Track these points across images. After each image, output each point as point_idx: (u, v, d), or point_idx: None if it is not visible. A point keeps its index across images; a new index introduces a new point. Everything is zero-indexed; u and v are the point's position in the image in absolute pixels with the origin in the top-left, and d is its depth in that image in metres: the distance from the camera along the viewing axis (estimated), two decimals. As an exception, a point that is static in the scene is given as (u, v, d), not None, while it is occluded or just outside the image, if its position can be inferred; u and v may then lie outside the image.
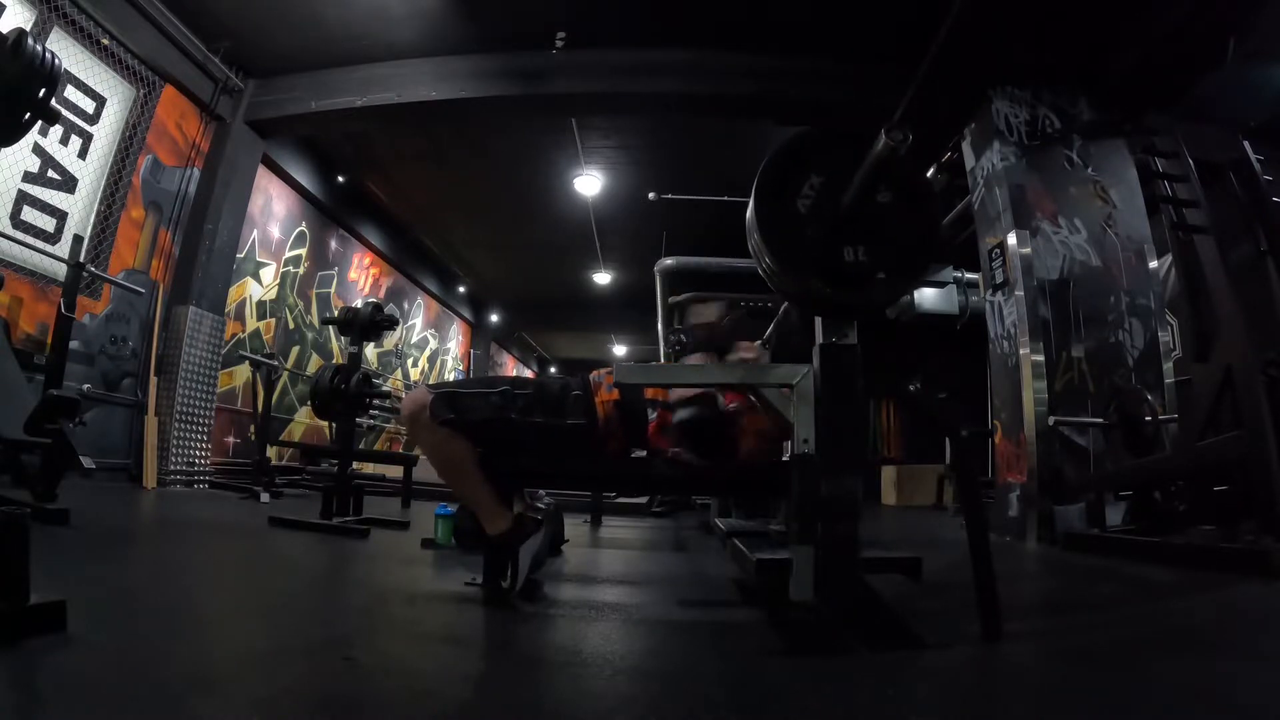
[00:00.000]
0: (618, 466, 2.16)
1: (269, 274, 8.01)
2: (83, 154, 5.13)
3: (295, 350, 8.72)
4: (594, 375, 2.11)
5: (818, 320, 1.69)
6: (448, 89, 5.90)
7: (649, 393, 2.09)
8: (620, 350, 16.71)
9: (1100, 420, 4.23)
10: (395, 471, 6.20)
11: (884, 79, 5.28)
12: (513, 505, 2.06)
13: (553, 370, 20.61)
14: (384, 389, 6.82)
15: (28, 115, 2.34)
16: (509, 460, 2.01)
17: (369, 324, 3.80)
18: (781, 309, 4.20)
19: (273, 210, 7.96)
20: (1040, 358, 4.54)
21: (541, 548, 2.08)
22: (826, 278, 1.60)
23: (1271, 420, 2.80)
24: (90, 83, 5.09)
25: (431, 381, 12.32)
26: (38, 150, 4.74)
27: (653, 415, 2.09)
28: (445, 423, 1.91)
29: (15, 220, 4.62)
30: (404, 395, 2.06)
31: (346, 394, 3.74)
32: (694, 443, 2.02)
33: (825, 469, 1.57)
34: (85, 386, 4.90)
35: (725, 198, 7.07)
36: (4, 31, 2.28)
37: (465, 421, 1.92)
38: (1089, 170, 4.96)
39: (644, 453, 2.09)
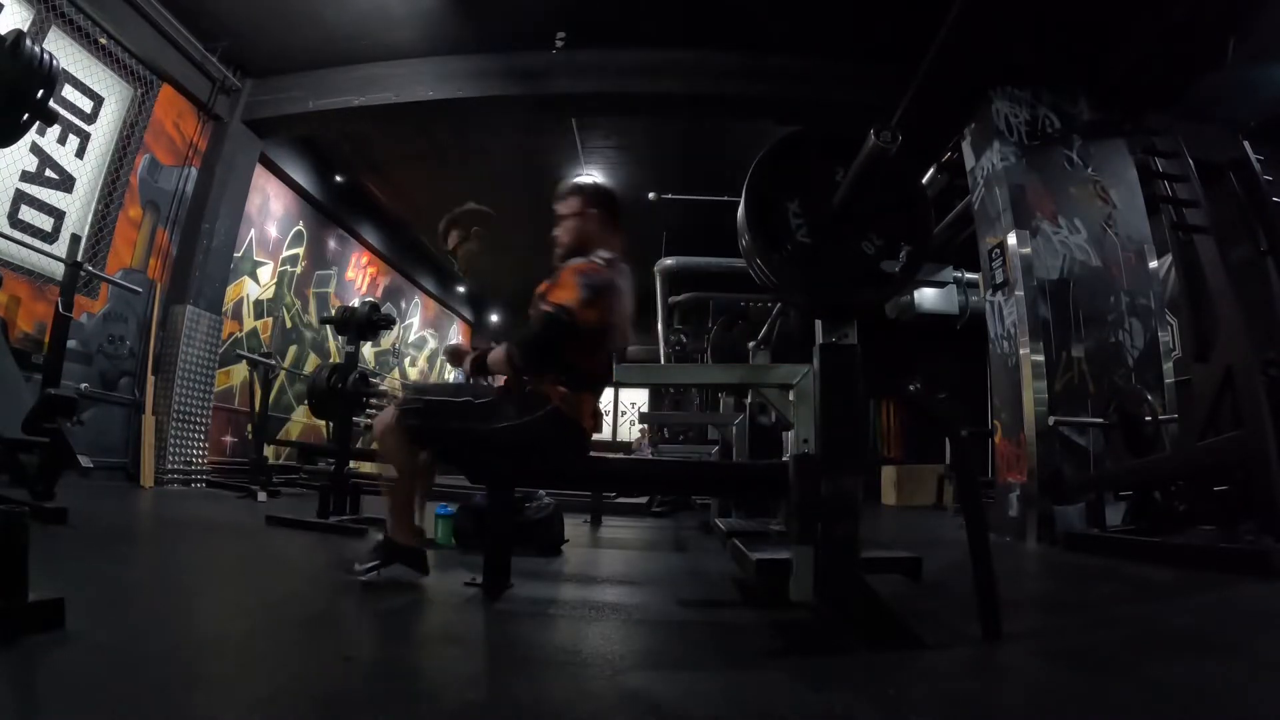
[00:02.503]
0: (614, 465, 2.16)
1: (266, 273, 8.00)
2: (80, 153, 5.12)
3: (293, 349, 8.70)
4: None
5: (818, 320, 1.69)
6: (446, 89, 5.89)
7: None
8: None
9: (1100, 420, 4.23)
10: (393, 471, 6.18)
11: (884, 79, 5.28)
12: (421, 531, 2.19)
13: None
14: (381, 388, 6.81)
15: (26, 116, 2.34)
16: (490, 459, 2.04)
17: (366, 323, 3.79)
18: (777, 309, 4.21)
19: (270, 210, 7.95)
20: (1040, 358, 4.54)
21: (495, 548, 2.09)
22: (817, 279, 1.60)
23: (1271, 420, 2.80)
24: (88, 82, 5.08)
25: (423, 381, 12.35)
26: (35, 149, 4.73)
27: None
28: (410, 430, 1.94)
29: (13, 219, 4.61)
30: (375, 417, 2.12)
31: (343, 393, 3.73)
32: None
33: (825, 469, 1.57)
34: (83, 385, 4.89)
35: (725, 198, 7.06)
36: (2, 33, 2.28)
37: (430, 430, 1.95)
38: (1089, 170, 4.96)
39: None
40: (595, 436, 2.24)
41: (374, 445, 2.16)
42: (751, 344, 4.66)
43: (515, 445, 2.01)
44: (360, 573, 2.01)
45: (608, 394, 18.70)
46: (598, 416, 2.21)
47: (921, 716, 1.15)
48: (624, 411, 18.96)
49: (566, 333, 2.00)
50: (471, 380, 2.17)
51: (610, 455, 7.04)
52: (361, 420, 4.93)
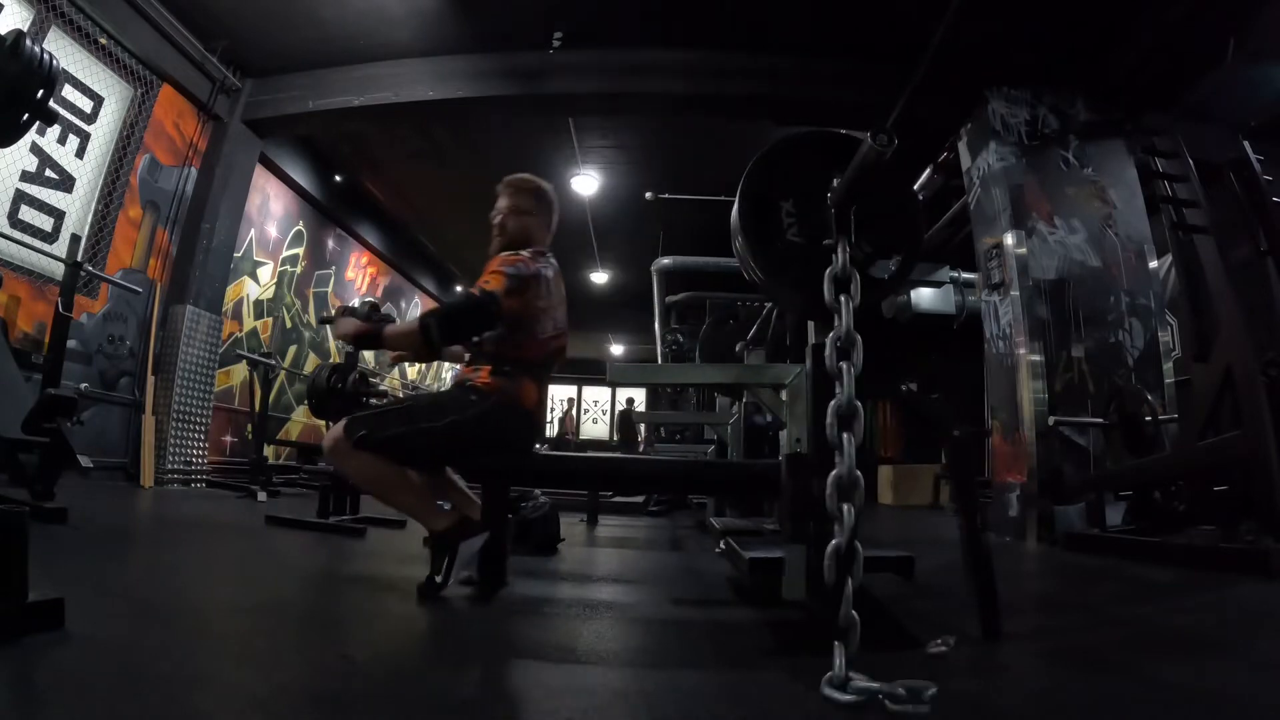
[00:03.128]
0: (609, 464, 2.16)
1: (266, 273, 8.00)
2: (80, 153, 5.12)
3: (292, 349, 8.70)
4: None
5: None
6: (445, 89, 5.89)
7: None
8: (617, 350, 16.70)
9: (1100, 420, 4.23)
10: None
11: (884, 79, 5.28)
12: (451, 507, 2.14)
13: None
14: (381, 388, 6.81)
15: (26, 116, 2.34)
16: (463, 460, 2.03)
17: (366, 323, 3.79)
18: (771, 309, 4.21)
19: (270, 209, 7.95)
20: (1037, 357, 4.53)
21: (491, 546, 2.06)
22: (811, 280, 1.59)
23: (1271, 420, 2.80)
24: (88, 82, 5.07)
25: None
26: (35, 149, 4.73)
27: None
28: (359, 442, 1.93)
29: (13, 219, 4.61)
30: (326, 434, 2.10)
31: (343, 393, 3.73)
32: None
33: (820, 469, 1.56)
34: (83, 385, 4.89)
35: (723, 197, 7.02)
36: (2, 33, 2.28)
37: (379, 437, 1.94)
38: (1087, 170, 4.95)
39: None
40: (594, 436, 2.24)
41: (334, 468, 2.12)
42: (740, 344, 4.64)
43: (468, 439, 2.01)
44: (440, 584, 1.93)
45: (605, 392, 18.75)
46: (542, 404, 2.21)
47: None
48: (623, 411, 18.98)
49: (488, 317, 2.02)
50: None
51: (606, 455, 7.04)
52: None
